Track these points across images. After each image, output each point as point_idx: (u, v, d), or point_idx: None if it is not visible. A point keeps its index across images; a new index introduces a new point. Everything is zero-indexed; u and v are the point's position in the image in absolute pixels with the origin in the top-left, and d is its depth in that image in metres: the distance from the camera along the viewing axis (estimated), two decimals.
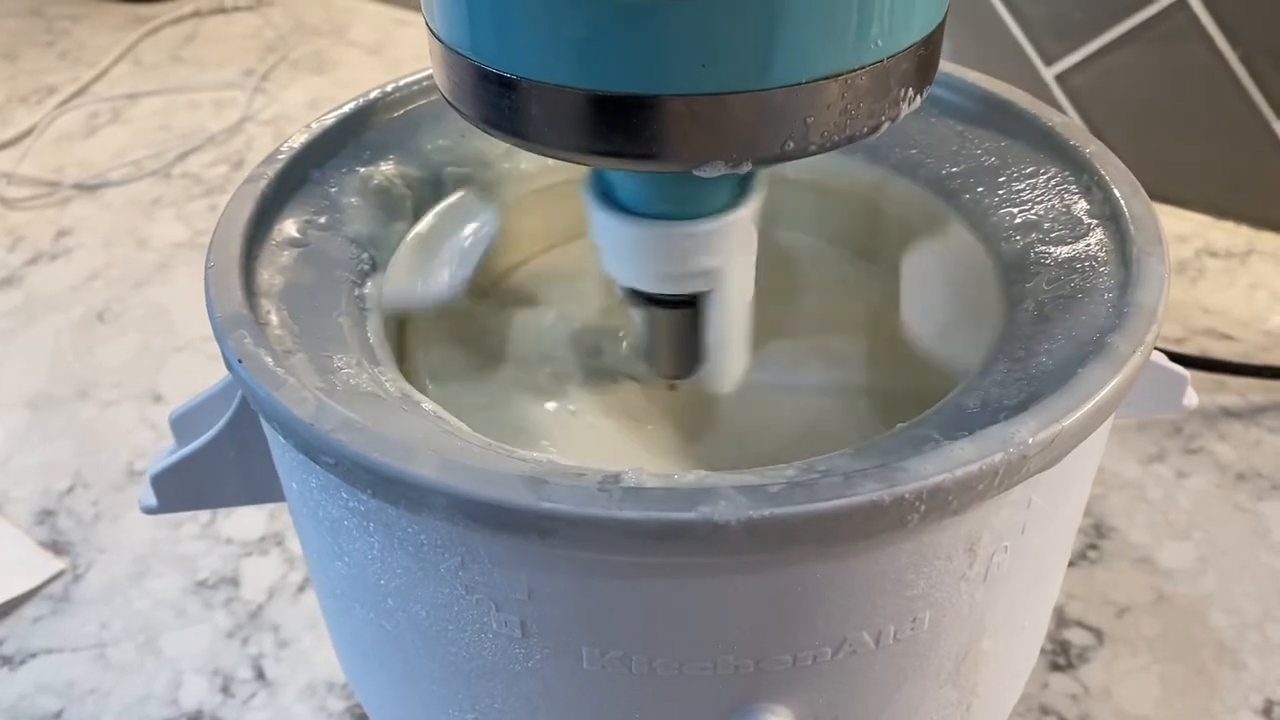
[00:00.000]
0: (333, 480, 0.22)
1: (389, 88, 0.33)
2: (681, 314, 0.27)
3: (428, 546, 0.22)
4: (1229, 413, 0.50)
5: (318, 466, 0.22)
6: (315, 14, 0.92)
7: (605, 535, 0.19)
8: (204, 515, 0.47)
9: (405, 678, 0.26)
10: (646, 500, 0.19)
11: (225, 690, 0.40)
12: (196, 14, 0.91)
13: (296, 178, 0.30)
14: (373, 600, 0.24)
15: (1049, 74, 0.64)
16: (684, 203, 0.25)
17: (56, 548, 0.46)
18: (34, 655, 0.42)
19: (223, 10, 0.92)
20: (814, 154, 0.22)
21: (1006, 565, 0.23)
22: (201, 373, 0.55)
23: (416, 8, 0.94)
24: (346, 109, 0.32)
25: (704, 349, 0.28)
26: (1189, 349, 0.53)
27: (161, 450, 0.31)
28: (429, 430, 0.23)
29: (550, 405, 0.30)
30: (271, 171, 0.29)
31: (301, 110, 0.78)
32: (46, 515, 0.47)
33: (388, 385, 0.25)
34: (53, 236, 0.65)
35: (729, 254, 0.26)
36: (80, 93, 0.80)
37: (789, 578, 0.21)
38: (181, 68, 0.84)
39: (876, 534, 0.20)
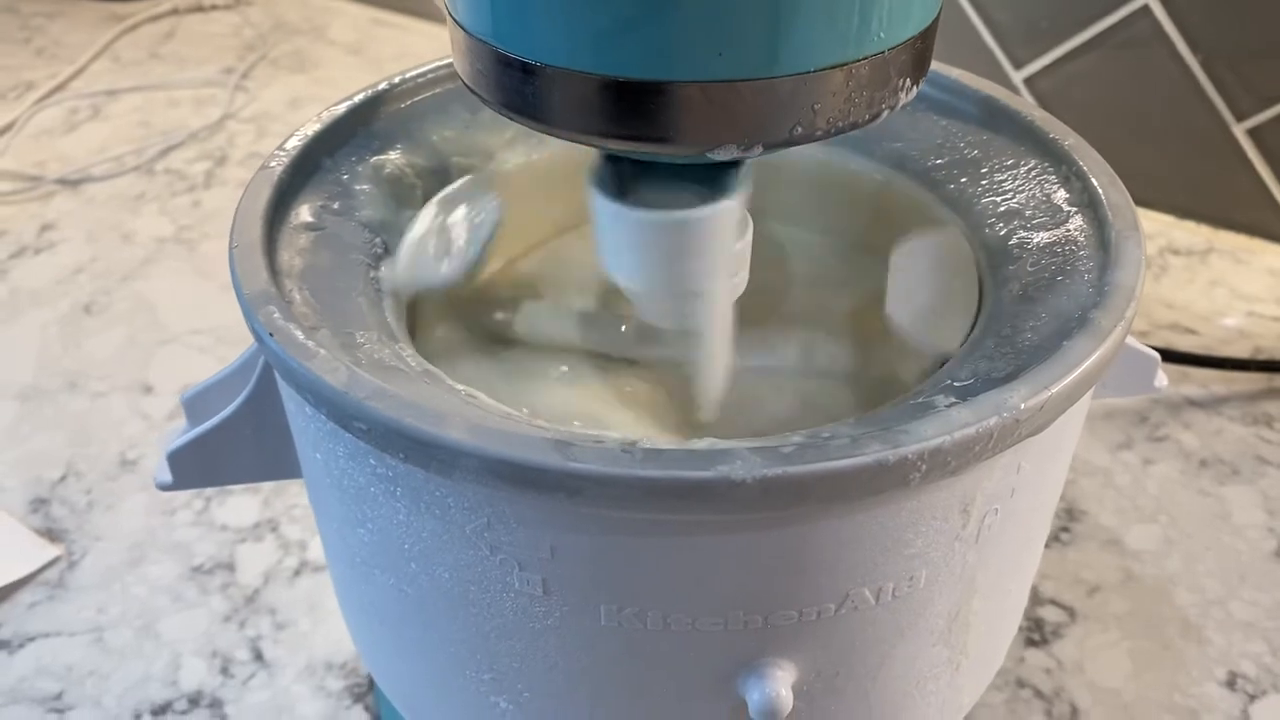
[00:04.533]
0: (362, 447, 0.23)
1: (396, 79, 0.34)
2: None
3: (455, 509, 0.23)
4: (1192, 403, 0.52)
5: (347, 435, 0.23)
6: (294, 13, 0.92)
7: (628, 494, 0.21)
8: (198, 503, 0.48)
9: (423, 641, 0.27)
10: (667, 460, 0.21)
11: (224, 671, 0.41)
12: (175, 12, 0.92)
13: (310, 165, 0.31)
14: (395, 565, 0.25)
15: (1018, 78, 0.66)
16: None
17: (51, 535, 0.46)
18: (32, 639, 0.42)
19: (201, 9, 0.92)
20: (820, 139, 0.23)
21: (996, 527, 0.25)
22: (191, 365, 0.56)
23: (395, 7, 0.95)
24: (357, 99, 0.33)
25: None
26: (1153, 342, 0.55)
27: (175, 429, 0.32)
28: (452, 401, 0.24)
29: (555, 387, 0.31)
30: (287, 158, 0.30)
31: (282, 108, 0.78)
32: (40, 504, 0.48)
33: (409, 360, 0.26)
34: (36, 230, 0.66)
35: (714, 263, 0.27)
36: (59, 89, 0.80)
37: (798, 535, 0.22)
38: (160, 65, 0.84)
39: (880, 492, 0.21)
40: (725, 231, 0.26)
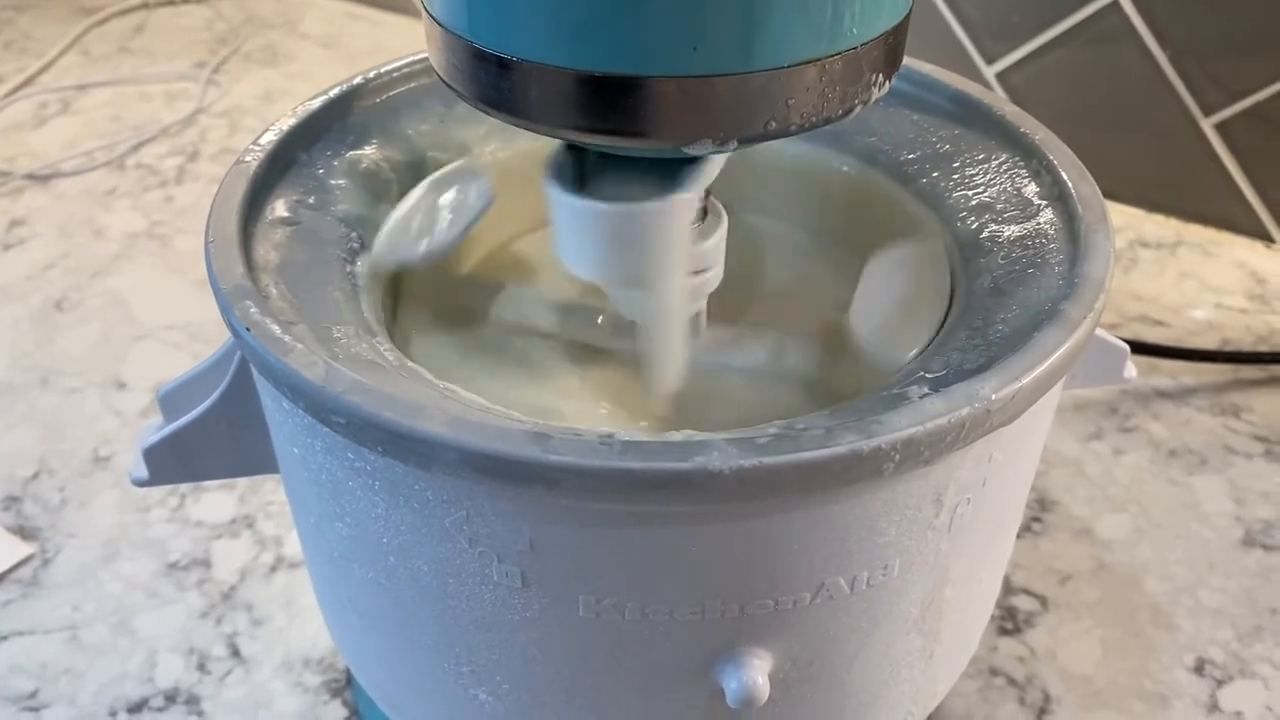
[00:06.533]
0: (340, 442, 0.24)
1: (371, 73, 0.34)
2: None
3: (433, 503, 0.23)
4: (1161, 394, 0.53)
5: (324, 429, 0.23)
6: (266, 7, 0.92)
7: (607, 485, 0.21)
8: (173, 500, 0.47)
9: (402, 636, 0.27)
10: (645, 452, 0.21)
11: (201, 668, 0.41)
12: (145, 5, 0.91)
13: (285, 159, 0.31)
14: (373, 559, 0.25)
15: (990, 72, 0.67)
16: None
17: (23, 533, 0.46)
18: (5, 638, 0.42)
19: (171, 2, 0.91)
20: (794, 133, 0.23)
21: (969, 517, 0.25)
22: (164, 361, 0.55)
23: (368, 1, 0.94)
24: (332, 93, 0.33)
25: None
26: (1123, 334, 0.56)
27: (150, 425, 0.32)
28: (430, 394, 0.24)
29: (532, 379, 0.31)
30: (262, 152, 0.30)
31: (255, 103, 0.78)
32: (12, 502, 0.47)
33: (386, 355, 0.26)
34: (6, 226, 0.65)
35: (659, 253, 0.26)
36: (28, 83, 0.79)
37: (773, 525, 0.22)
38: (131, 59, 0.84)
39: (854, 482, 0.22)
40: (677, 224, 0.26)
